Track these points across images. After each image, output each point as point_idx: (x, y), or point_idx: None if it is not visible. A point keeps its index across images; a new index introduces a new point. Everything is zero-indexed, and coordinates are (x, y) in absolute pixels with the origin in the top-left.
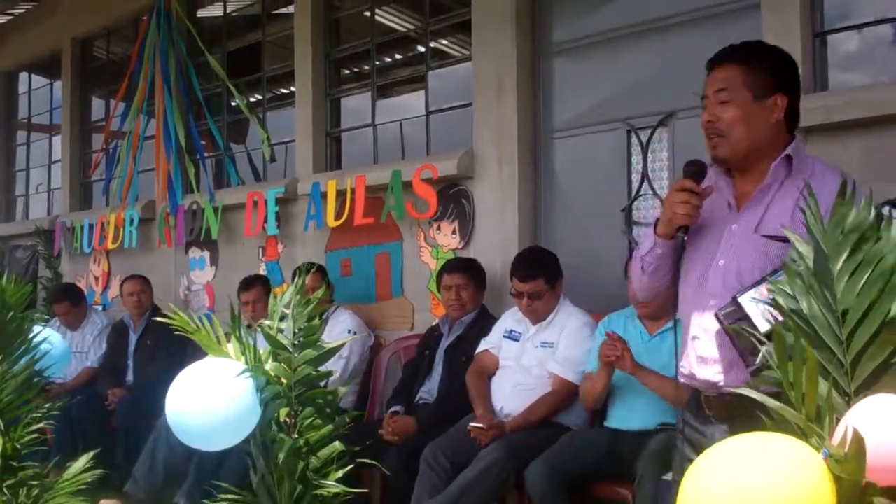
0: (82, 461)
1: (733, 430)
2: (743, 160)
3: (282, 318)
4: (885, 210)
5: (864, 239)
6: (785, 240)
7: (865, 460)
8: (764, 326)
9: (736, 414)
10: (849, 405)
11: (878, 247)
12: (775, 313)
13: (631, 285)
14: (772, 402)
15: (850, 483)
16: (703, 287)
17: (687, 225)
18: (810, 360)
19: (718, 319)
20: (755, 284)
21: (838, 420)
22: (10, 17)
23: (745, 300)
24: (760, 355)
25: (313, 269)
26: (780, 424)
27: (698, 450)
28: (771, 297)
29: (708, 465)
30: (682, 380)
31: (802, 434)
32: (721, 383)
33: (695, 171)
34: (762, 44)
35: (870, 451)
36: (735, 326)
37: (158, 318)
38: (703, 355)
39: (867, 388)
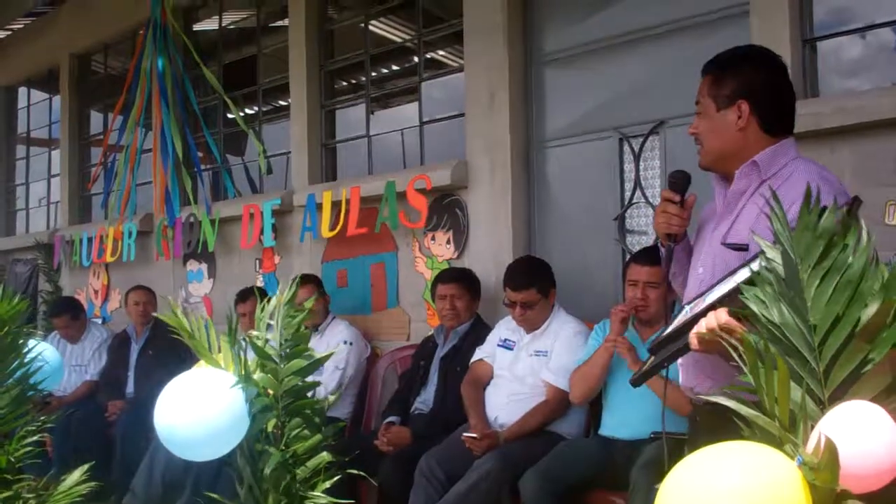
0: (77, 473)
1: (719, 436)
2: (721, 168)
3: (268, 328)
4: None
5: (831, 245)
6: (743, 248)
7: (839, 467)
8: (667, 330)
9: (719, 420)
10: (823, 412)
11: (845, 254)
12: (684, 318)
13: None
14: (745, 410)
15: (824, 490)
16: (687, 295)
17: (670, 233)
18: (781, 369)
19: None
20: (700, 294)
21: (813, 427)
22: (8, 33)
23: (686, 308)
24: (646, 364)
25: (305, 281)
26: (755, 432)
27: None
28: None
29: (683, 475)
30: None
31: (777, 441)
32: (696, 389)
33: (675, 180)
34: (736, 50)
35: (843, 458)
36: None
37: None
38: (682, 362)
39: (841, 394)
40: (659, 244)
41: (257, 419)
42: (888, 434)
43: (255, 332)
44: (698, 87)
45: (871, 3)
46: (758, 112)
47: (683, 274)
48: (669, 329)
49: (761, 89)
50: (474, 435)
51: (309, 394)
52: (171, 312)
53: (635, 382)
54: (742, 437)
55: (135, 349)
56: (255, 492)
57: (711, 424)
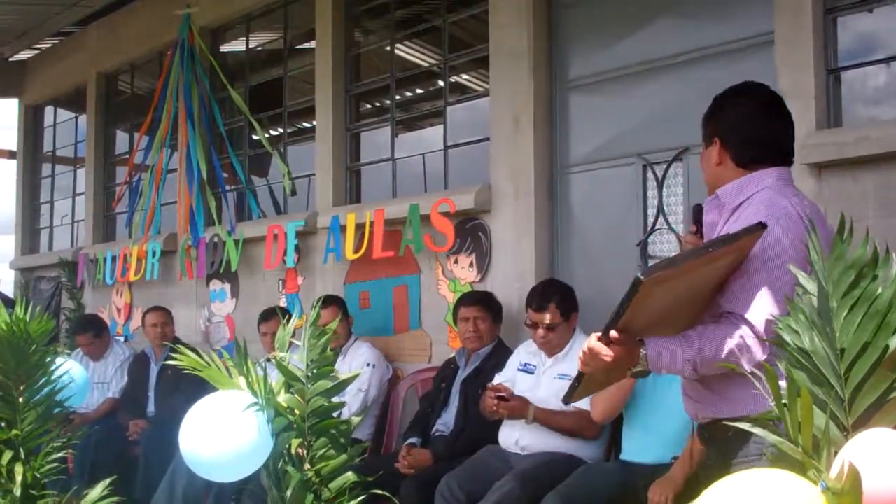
0: (99, 489)
1: (721, 456)
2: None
3: (291, 348)
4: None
5: (861, 276)
6: None
7: (862, 493)
8: None
9: (720, 440)
10: (847, 439)
11: (875, 284)
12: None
13: None
14: (772, 437)
15: None
16: None
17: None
18: (804, 396)
19: None
20: None
21: (836, 453)
22: (37, 52)
23: None
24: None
25: (328, 303)
26: (778, 457)
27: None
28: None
29: (710, 501)
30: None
31: (800, 467)
32: (698, 414)
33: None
34: (727, 90)
35: (866, 484)
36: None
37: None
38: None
39: (864, 422)
40: None
41: (281, 439)
42: None
43: (280, 354)
44: None
45: (894, 33)
46: (728, 149)
47: None
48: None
49: (730, 127)
50: (503, 393)
51: (335, 414)
52: (183, 349)
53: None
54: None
55: (154, 370)
56: None
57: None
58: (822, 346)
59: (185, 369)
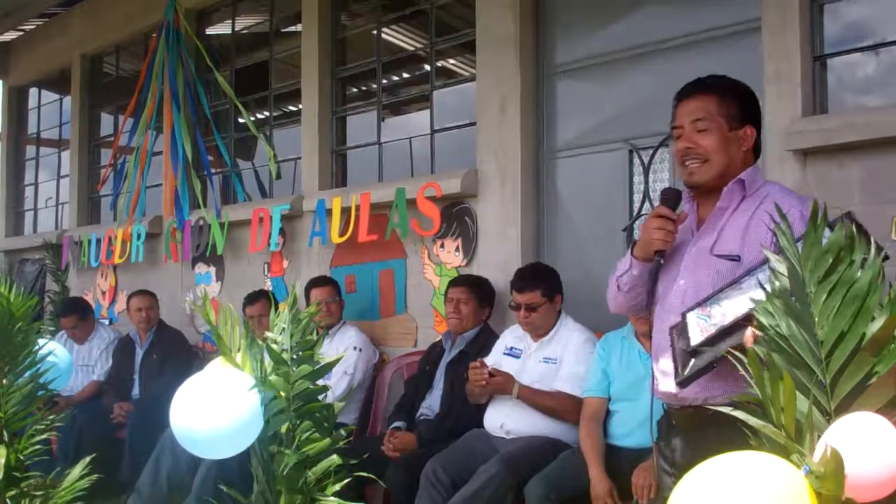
0: (79, 468)
1: (696, 441)
2: (717, 184)
3: (282, 332)
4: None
5: (838, 260)
6: (735, 259)
7: (844, 477)
8: (697, 340)
9: (695, 426)
10: (829, 423)
11: (852, 269)
12: (711, 329)
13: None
14: (754, 421)
15: (830, 499)
16: (664, 305)
17: (664, 249)
18: (787, 380)
19: (670, 334)
20: (700, 302)
21: (819, 437)
22: (21, 34)
23: (691, 316)
24: (689, 367)
25: (324, 283)
26: (760, 441)
27: (669, 462)
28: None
29: (692, 485)
30: (655, 395)
31: (783, 451)
32: (679, 395)
33: (669, 198)
34: (728, 77)
35: (848, 467)
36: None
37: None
38: (663, 369)
39: (847, 406)
40: (633, 259)
41: (272, 422)
42: (892, 444)
43: (270, 335)
44: (687, 105)
45: (881, 20)
46: (756, 137)
47: (642, 286)
48: (705, 336)
49: (759, 117)
50: (489, 369)
51: (320, 397)
52: (202, 306)
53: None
54: (724, 436)
55: (139, 353)
56: (266, 494)
57: (687, 425)
58: (799, 331)
59: (170, 350)
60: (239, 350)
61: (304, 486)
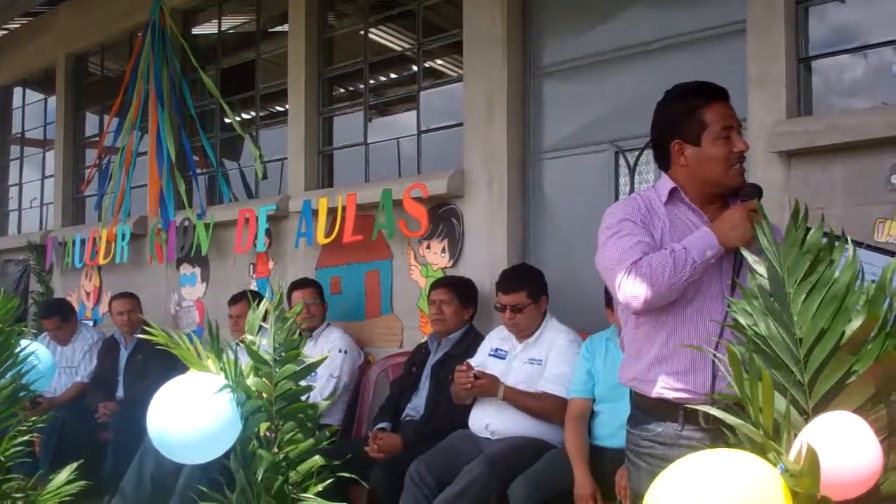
0: (66, 473)
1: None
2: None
3: (259, 332)
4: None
5: (817, 261)
6: None
7: (819, 475)
8: None
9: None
10: (807, 422)
11: (831, 269)
12: None
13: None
14: (731, 419)
15: (805, 497)
16: (701, 309)
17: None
18: (765, 379)
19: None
20: None
21: (796, 436)
22: (5, 33)
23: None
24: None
25: (306, 285)
26: (741, 439)
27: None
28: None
29: (669, 482)
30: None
31: (761, 449)
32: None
33: (753, 192)
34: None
35: (824, 466)
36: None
37: (141, 336)
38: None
39: (825, 405)
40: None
41: (250, 422)
42: (867, 444)
43: (249, 337)
44: (729, 107)
45: (865, 23)
46: None
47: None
48: None
49: None
50: (475, 371)
51: (303, 398)
52: (154, 328)
53: None
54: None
55: (124, 354)
56: (247, 494)
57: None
58: (777, 331)
59: (154, 352)
60: (208, 357)
61: (283, 487)
